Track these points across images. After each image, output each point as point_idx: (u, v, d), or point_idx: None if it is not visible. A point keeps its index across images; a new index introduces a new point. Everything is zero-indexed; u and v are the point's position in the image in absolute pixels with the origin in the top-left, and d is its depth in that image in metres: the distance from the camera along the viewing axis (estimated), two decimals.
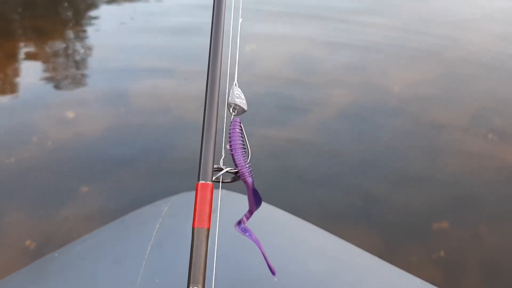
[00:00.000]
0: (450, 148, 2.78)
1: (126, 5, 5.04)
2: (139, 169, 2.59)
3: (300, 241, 0.91)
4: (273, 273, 0.59)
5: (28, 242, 2.12)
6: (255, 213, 0.58)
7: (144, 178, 2.53)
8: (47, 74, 3.61)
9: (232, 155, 0.53)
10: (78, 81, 3.52)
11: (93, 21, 4.62)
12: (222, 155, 0.53)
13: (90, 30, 4.49)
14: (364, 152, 2.74)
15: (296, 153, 2.73)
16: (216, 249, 0.51)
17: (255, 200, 0.56)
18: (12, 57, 3.93)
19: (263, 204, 0.57)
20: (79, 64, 3.80)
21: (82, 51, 4.03)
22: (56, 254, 0.94)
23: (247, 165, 0.53)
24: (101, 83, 3.48)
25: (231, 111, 0.55)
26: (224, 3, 0.57)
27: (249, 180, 0.54)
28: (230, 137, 0.53)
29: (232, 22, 0.57)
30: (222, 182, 0.52)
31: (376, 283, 0.80)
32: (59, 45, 4.14)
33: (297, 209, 2.09)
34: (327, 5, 4.92)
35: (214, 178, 0.51)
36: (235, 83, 0.56)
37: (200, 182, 0.49)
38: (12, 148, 2.72)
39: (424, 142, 2.84)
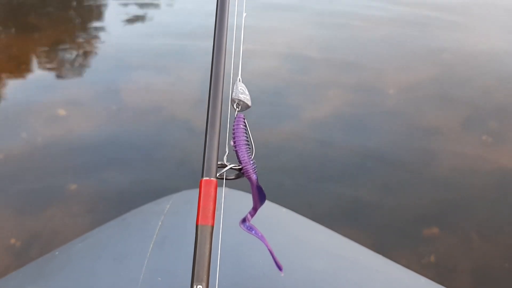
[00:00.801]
0: (443, 150, 2.76)
1: None
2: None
3: (303, 239, 0.90)
4: (280, 269, 0.58)
5: (13, 240, 2.11)
6: (258, 211, 0.57)
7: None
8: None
9: (236, 151, 0.53)
10: None
11: None
12: (226, 152, 0.52)
13: None
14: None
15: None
16: (220, 246, 0.50)
17: (259, 197, 0.55)
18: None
19: (266, 202, 0.57)
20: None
21: None
22: (57, 253, 0.93)
23: (251, 162, 0.53)
24: None
25: (235, 107, 0.55)
26: None
27: (253, 177, 0.53)
28: (234, 133, 0.53)
29: (236, 17, 0.57)
30: (226, 179, 0.52)
31: (380, 281, 0.80)
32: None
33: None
34: None
35: (218, 174, 0.50)
36: (239, 79, 0.55)
37: (204, 178, 0.49)
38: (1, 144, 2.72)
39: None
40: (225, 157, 0.52)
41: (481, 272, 2.03)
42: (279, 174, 2.53)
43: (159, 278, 0.70)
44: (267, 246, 0.56)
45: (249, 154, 0.53)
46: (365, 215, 2.31)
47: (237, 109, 0.54)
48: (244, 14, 0.57)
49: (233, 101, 0.54)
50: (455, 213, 2.32)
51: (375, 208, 2.35)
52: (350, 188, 2.46)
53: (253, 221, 0.57)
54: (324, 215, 2.25)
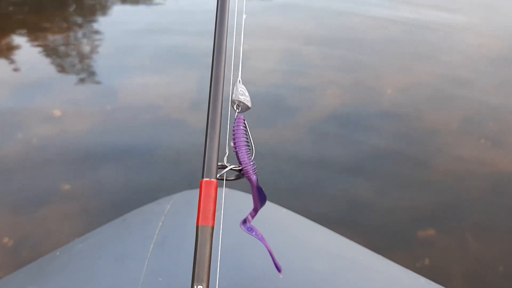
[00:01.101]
0: (440, 153, 2.75)
1: None
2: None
3: (303, 240, 0.90)
4: (279, 270, 0.58)
5: (5, 240, 2.12)
6: (258, 212, 0.57)
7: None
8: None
9: (236, 152, 0.53)
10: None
11: None
12: (226, 153, 0.53)
13: None
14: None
15: None
16: (220, 247, 0.50)
17: (260, 198, 0.56)
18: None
19: (266, 202, 0.57)
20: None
21: None
22: (58, 253, 0.93)
23: (252, 163, 0.53)
24: None
25: (235, 108, 0.55)
26: (228, 0, 0.57)
27: (253, 177, 0.53)
28: (234, 134, 0.53)
29: (236, 18, 0.57)
30: (226, 180, 0.52)
31: (379, 281, 0.80)
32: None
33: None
34: None
35: (218, 175, 0.50)
36: (239, 80, 0.55)
37: (205, 179, 0.49)
38: None
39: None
40: (225, 158, 0.52)
41: (476, 274, 2.02)
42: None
43: (160, 279, 0.70)
44: (267, 247, 0.56)
45: (249, 155, 0.53)
46: (361, 216, 2.30)
47: (237, 110, 0.55)
48: (244, 16, 0.57)
49: (233, 102, 0.55)
50: (451, 216, 2.32)
51: (371, 209, 2.34)
52: (346, 189, 2.46)
53: (253, 221, 0.57)
54: (319, 215, 2.24)
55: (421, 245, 2.15)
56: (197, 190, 0.51)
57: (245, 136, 0.53)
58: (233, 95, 0.55)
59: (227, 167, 0.52)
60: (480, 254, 2.11)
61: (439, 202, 2.40)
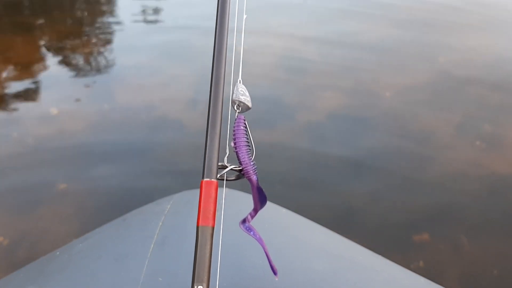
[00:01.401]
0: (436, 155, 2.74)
1: None
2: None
3: (303, 240, 0.90)
4: (274, 273, 0.58)
5: (1, 239, 2.12)
6: (259, 212, 0.57)
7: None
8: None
9: (237, 152, 0.53)
10: None
11: None
12: (226, 153, 0.53)
13: None
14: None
15: None
16: (220, 247, 0.50)
17: (260, 199, 0.56)
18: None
19: (267, 202, 0.57)
20: None
21: None
22: (58, 253, 0.93)
23: (252, 163, 0.53)
24: None
25: (235, 108, 0.55)
26: (228, 0, 0.57)
27: (254, 178, 0.53)
28: (234, 135, 0.53)
29: (236, 19, 0.57)
30: (226, 180, 0.52)
31: (379, 282, 0.80)
32: None
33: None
34: None
35: (218, 176, 0.50)
36: (240, 80, 0.55)
37: (205, 179, 0.49)
38: None
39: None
40: (225, 158, 0.52)
41: (470, 278, 2.02)
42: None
43: (160, 279, 0.70)
44: (264, 248, 0.56)
45: (250, 155, 0.53)
46: (356, 220, 2.29)
47: (238, 111, 0.55)
48: (245, 16, 0.57)
49: (233, 102, 0.55)
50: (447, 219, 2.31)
51: (366, 213, 2.33)
52: (342, 191, 2.45)
53: (253, 221, 0.57)
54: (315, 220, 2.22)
55: (416, 248, 2.14)
56: (197, 190, 0.51)
57: (246, 136, 0.53)
58: (234, 95, 0.55)
59: (227, 167, 0.52)
60: (475, 258, 2.11)
61: (436, 204, 2.40)
